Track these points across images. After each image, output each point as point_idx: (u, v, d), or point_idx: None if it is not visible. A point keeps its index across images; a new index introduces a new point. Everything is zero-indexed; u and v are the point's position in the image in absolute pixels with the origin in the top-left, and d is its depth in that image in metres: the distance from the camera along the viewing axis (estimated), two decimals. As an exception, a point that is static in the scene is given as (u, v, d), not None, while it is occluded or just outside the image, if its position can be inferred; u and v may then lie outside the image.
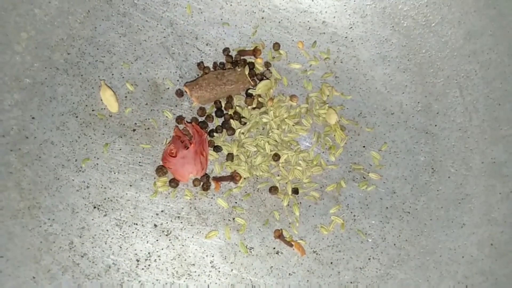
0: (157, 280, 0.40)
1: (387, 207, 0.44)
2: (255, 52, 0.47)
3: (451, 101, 0.46)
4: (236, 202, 0.43)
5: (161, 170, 0.43)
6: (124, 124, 0.44)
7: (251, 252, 0.42)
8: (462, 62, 0.46)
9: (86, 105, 0.44)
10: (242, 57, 0.48)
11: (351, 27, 0.49)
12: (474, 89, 0.46)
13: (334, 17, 0.49)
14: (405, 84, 0.47)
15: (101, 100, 0.45)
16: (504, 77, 0.45)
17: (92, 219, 0.42)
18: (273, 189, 0.44)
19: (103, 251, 0.41)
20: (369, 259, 0.43)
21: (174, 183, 0.43)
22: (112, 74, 0.45)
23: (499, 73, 0.45)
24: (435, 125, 0.46)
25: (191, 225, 0.42)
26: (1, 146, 0.41)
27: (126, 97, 0.45)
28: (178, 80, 0.46)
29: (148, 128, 0.45)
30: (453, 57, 0.47)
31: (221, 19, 0.48)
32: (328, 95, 0.47)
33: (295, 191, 0.44)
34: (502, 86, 0.45)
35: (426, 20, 0.47)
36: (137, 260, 0.41)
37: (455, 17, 0.46)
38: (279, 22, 0.49)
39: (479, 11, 0.45)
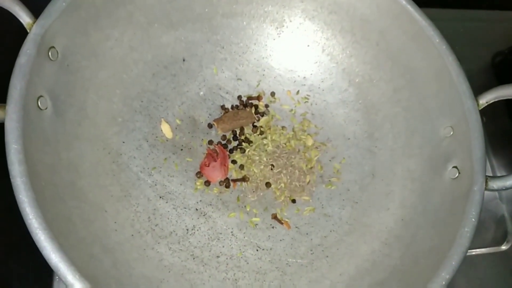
0: (199, 241, 0.49)
1: (343, 199, 0.53)
2: (258, 97, 0.56)
3: (385, 131, 0.56)
4: (247, 196, 0.52)
5: (199, 174, 0.51)
6: (175, 146, 0.52)
7: (256, 226, 0.50)
8: (392, 106, 0.55)
9: (152, 134, 0.53)
10: (250, 101, 0.56)
11: (323, 81, 0.58)
12: (399, 124, 0.55)
13: (311, 74, 0.59)
14: (357, 119, 0.56)
15: (161, 130, 0.53)
16: (415, 117, 0.53)
17: (160, 204, 0.49)
18: (268, 184, 0.52)
19: (167, 223, 0.49)
20: (331, 231, 0.52)
21: (207, 183, 0.51)
22: (167, 114, 0.54)
23: (412, 115, 0.54)
24: (375, 146, 0.55)
25: (219, 210, 0.51)
26: (107, 159, 0.49)
27: (176, 128, 0.53)
28: (208, 117, 0.55)
29: (190, 148, 0.53)
30: (386, 102, 0.56)
31: (236, 76, 0.57)
32: (307, 126, 0.56)
33: (293, 201, 0.51)
34: (414, 123, 0.54)
35: (370, 78, 0.57)
36: (187, 230, 0.49)
37: (388, 77, 0.56)
38: (275, 77, 0.58)
39: (401, 75, 0.54)
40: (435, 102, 0.50)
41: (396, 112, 0.56)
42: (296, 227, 0.52)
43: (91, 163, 0.47)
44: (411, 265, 0.43)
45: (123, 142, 0.52)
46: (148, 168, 0.52)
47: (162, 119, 0.54)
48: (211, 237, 0.50)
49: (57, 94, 0.43)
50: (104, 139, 0.50)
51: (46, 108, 0.41)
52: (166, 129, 0.54)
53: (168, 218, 0.50)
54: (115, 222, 0.46)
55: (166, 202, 0.51)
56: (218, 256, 0.49)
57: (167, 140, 0.53)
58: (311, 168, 0.54)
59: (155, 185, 0.51)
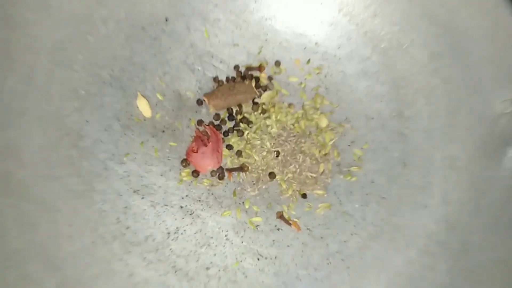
0: (184, 248, 0.43)
1: (367, 194, 0.46)
2: (260, 68, 0.49)
3: (419, 109, 0.48)
4: (245, 190, 0.45)
5: (185, 162, 0.45)
6: (155, 126, 0.46)
7: (257, 228, 0.44)
8: (427, 77, 0.48)
9: (126, 111, 0.46)
10: (249, 72, 0.49)
11: (339, 48, 0.51)
12: (436, 99, 0.47)
13: (325, 39, 0.51)
14: (383, 94, 0.49)
15: (137, 107, 0.46)
16: (459, 89, 0.46)
17: (133, 201, 0.43)
18: (272, 175, 0.46)
19: (142, 225, 0.43)
20: (352, 234, 0.45)
21: (195, 173, 0.45)
22: (146, 86, 0.47)
23: (456, 86, 0.47)
24: (407, 128, 0.48)
25: (209, 207, 0.44)
26: (65, 143, 0.43)
27: (156, 104, 0.47)
28: (197, 91, 0.48)
29: (174, 130, 0.46)
30: (420, 73, 0.48)
31: (232, 41, 0.50)
32: (319, 103, 0.49)
33: (304, 196, 0.45)
34: (458, 97, 0.46)
35: (399, 43, 0.49)
36: (168, 233, 0.43)
37: (421, 41, 0.48)
38: (280, 43, 0.51)
39: (440, 37, 0.47)
40: (488, 69, 0.43)
41: (433, 85, 0.48)
42: (308, 229, 0.45)
43: (40, 148, 0.40)
44: (467, 284, 0.37)
45: (87, 122, 0.45)
46: (119, 155, 0.45)
47: (139, 93, 0.47)
48: (199, 243, 0.43)
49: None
50: (60, 116, 0.43)
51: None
52: (143, 106, 0.47)
53: (143, 219, 0.43)
54: (70, 226, 0.40)
55: (142, 198, 0.44)
56: (208, 268, 0.42)
57: (144, 120, 0.46)
58: (326, 154, 0.47)
59: (128, 176, 0.44)
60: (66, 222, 0.40)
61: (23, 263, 0.33)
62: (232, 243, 0.44)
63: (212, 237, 0.44)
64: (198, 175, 0.45)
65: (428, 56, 0.48)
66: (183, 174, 0.45)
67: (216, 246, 0.44)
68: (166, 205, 0.44)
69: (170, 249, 0.43)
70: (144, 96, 0.47)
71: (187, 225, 0.44)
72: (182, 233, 0.44)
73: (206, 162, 0.45)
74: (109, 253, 0.41)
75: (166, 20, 0.49)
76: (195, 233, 0.44)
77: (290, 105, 0.49)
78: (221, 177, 0.46)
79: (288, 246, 0.44)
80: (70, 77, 0.44)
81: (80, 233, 0.40)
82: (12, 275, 0.30)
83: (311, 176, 0.46)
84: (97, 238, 0.41)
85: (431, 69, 0.48)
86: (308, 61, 0.51)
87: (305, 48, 0.51)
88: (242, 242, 0.44)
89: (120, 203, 0.43)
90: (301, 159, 0.46)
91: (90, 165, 0.43)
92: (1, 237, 0.33)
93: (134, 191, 0.44)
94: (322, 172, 0.47)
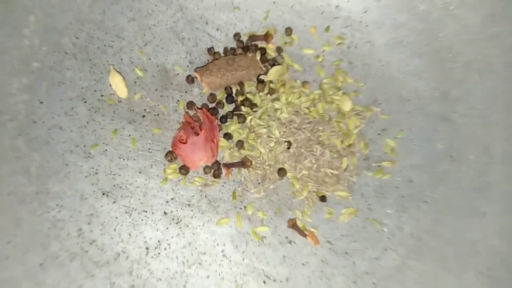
0: (167, 268, 0.39)
1: (403, 196, 0.43)
2: (266, 37, 0.47)
3: (471, 87, 0.45)
4: (248, 191, 0.42)
5: (170, 156, 0.42)
6: (133, 110, 0.44)
7: (263, 241, 0.41)
8: (482, 46, 0.45)
9: (95, 90, 0.44)
10: (253, 42, 0.47)
11: (366, 11, 0.48)
12: (494, 74, 0.45)
13: (348, 1, 0.48)
14: (422, 70, 0.46)
15: (110, 85, 0.44)
16: None
17: (101, 206, 0.41)
18: (282, 172, 0.43)
19: (112, 238, 0.40)
20: (386, 249, 0.42)
21: (184, 170, 0.42)
22: (121, 59, 0.45)
23: None
24: (454, 112, 0.45)
25: (202, 213, 0.42)
26: (9, 130, 0.40)
27: (135, 82, 0.44)
28: (188, 66, 0.46)
29: (158, 114, 0.44)
30: (473, 41, 0.45)
31: (232, 3, 0.47)
32: (341, 81, 0.46)
33: (323, 198, 0.43)
34: None
35: (444, 3, 0.46)
36: (147, 248, 0.40)
37: (473, 0, 0.45)
38: (291, 6, 0.48)
39: None
40: None
41: (490, 56, 0.45)
42: (328, 241, 0.42)
43: None
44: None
45: (41, 103, 0.42)
46: (84, 146, 0.43)
47: (112, 68, 0.45)
48: (187, 261, 0.41)
49: None
50: (3, 96, 0.41)
51: None
52: (118, 84, 0.44)
53: (114, 230, 0.41)
54: (9, 243, 0.37)
55: (114, 202, 0.42)
56: None
57: (119, 101, 0.45)
58: (350, 146, 0.44)
59: (96, 173, 0.42)
60: (4, 238, 0.37)
61: None
62: (230, 261, 0.41)
63: (204, 253, 0.41)
64: (188, 172, 0.43)
65: (482, 19, 0.46)
66: (168, 171, 0.43)
67: (209, 264, 0.41)
68: (145, 211, 0.42)
69: (149, 270, 0.40)
70: (118, 72, 0.45)
71: (173, 237, 0.41)
72: (165, 249, 0.41)
73: (197, 155, 0.42)
74: (64, 279, 0.37)
75: (149, -25, 0.47)
76: (182, 248, 0.41)
77: (304, 83, 0.47)
78: (217, 175, 0.43)
79: (303, 264, 0.41)
80: (18, 44, 0.43)
81: (22, 252, 0.37)
82: None
83: (332, 173, 0.43)
84: (47, 259, 0.38)
85: (487, 35, 0.46)
86: (327, 28, 0.48)
87: (322, 12, 0.49)
88: (243, 259, 0.41)
89: (83, 210, 0.41)
90: (318, 151, 0.44)
91: (44, 159, 0.41)
92: None
93: (104, 193, 0.42)
94: (346, 169, 0.44)
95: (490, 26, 0.45)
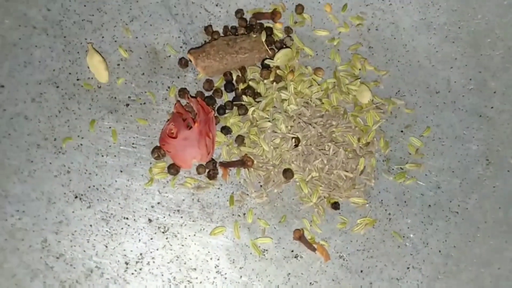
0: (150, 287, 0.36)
1: (429, 205, 0.41)
2: (274, 15, 0.45)
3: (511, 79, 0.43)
4: (248, 195, 0.40)
5: (157, 153, 0.40)
6: (115, 98, 0.41)
7: (264, 255, 0.39)
8: None
9: (70, 73, 0.41)
10: (258, 21, 0.45)
11: None
12: None
13: None
14: (455, 57, 0.44)
15: (88, 67, 0.41)
16: None
17: (73, 212, 0.38)
18: (288, 173, 0.41)
19: (84, 251, 0.37)
20: (408, 268, 0.40)
21: (173, 169, 0.40)
22: (102, 37, 0.42)
23: None
24: (491, 107, 0.43)
25: (193, 221, 0.40)
26: None
27: (118, 65, 0.42)
28: (181, 47, 0.43)
29: (145, 103, 0.42)
30: None
31: None
32: (360, 69, 0.44)
33: (335, 206, 0.41)
34: None
35: None
36: (126, 263, 0.38)
37: None
38: None
39: None
40: None
41: None
42: (341, 257, 0.40)
43: None
44: None
45: (2, 87, 0.40)
46: (54, 139, 0.40)
47: (91, 47, 0.42)
48: (174, 278, 0.39)
49: None
50: None
51: None
52: (97, 66, 0.42)
53: (88, 241, 0.38)
54: None
55: (88, 207, 0.39)
56: None
57: (98, 87, 0.42)
58: (368, 144, 0.43)
59: (68, 172, 0.40)
60: None
61: None
62: (225, 279, 0.39)
63: (195, 269, 0.39)
64: (178, 172, 0.41)
65: None
66: (155, 170, 0.41)
67: (200, 283, 0.38)
68: (127, 218, 0.39)
69: None
70: (98, 52, 0.42)
71: (158, 249, 0.39)
72: (148, 263, 0.38)
73: (189, 152, 0.40)
74: None
75: None
76: (169, 262, 0.39)
77: (316, 70, 0.45)
78: (212, 176, 0.42)
79: (310, 284, 0.39)
80: None
81: None
82: None
83: (346, 176, 0.42)
84: (0, 277, 0.35)
85: None
86: (344, 7, 0.46)
87: (340, -13, 0.46)
88: (241, 276, 0.39)
89: (50, 216, 0.38)
90: (331, 150, 0.41)
91: (3, 155, 0.38)
92: None
93: (76, 197, 0.39)
94: (363, 171, 0.42)
95: None
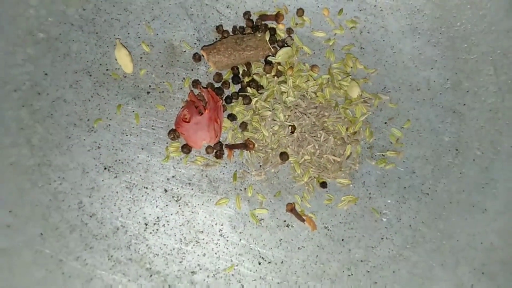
0: (164, 245, 0.40)
1: (405, 187, 0.42)
2: (277, 17, 0.46)
3: (484, 80, 0.44)
4: (249, 173, 0.42)
5: (173, 134, 0.42)
6: (138, 86, 0.43)
7: (261, 223, 0.41)
8: (500, 38, 0.44)
9: (100, 64, 0.43)
10: (263, 22, 0.46)
11: None
12: (510, 68, 0.43)
13: None
14: (435, 59, 0.45)
15: (116, 59, 0.43)
16: None
17: (102, 180, 0.41)
18: (284, 156, 0.42)
19: (112, 212, 0.40)
20: (382, 238, 0.41)
21: (186, 149, 0.42)
22: (128, 33, 0.44)
23: None
24: (464, 104, 0.44)
25: (202, 192, 0.41)
26: (13, 101, 0.40)
27: (141, 58, 0.44)
28: (195, 43, 0.44)
29: (163, 91, 0.43)
30: (491, 32, 0.44)
31: None
32: (351, 67, 0.45)
33: (323, 185, 0.42)
34: None
35: None
36: (146, 224, 0.40)
37: None
38: None
39: None
40: None
41: (507, 48, 0.44)
42: (326, 227, 0.42)
43: None
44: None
45: (45, 75, 0.42)
46: (87, 120, 0.42)
47: (118, 42, 0.44)
48: (185, 239, 0.41)
49: None
50: (6, 66, 0.40)
51: None
52: (123, 58, 0.44)
53: (114, 205, 0.41)
54: (10, 212, 0.37)
55: (115, 177, 0.41)
56: (193, 272, 0.40)
57: (124, 76, 0.44)
58: (355, 133, 0.44)
59: (98, 148, 0.42)
60: (5, 207, 0.37)
61: None
62: (227, 241, 0.41)
63: (202, 232, 0.41)
64: (190, 151, 0.43)
65: (502, 9, 0.45)
66: (171, 149, 0.43)
67: (206, 243, 0.41)
68: (146, 188, 0.42)
69: (147, 245, 0.40)
70: (125, 46, 0.44)
71: (172, 214, 0.41)
72: (164, 225, 0.41)
73: (200, 135, 0.42)
74: (63, 250, 0.38)
75: None
76: (180, 225, 0.41)
77: (313, 67, 0.46)
78: (219, 156, 0.43)
79: (299, 248, 0.41)
80: (23, 14, 0.42)
81: (23, 222, 0.37)
82: None
83: (334, 160, 0.43)
84: (47, 229, 0.38)
85: (506, 27, 0.45)
86: (340, 11, 0.47)
87: (337, -7, 0.47)
88: (240, 240, 0.41)
89: (84, 183, 0.41)
90: (322, 137, 0.43)
91: (47, 131, 0.41)
92: None
93: (105, 168, 0.42)
94: (349, 156, 0.44)
95: (509, 18, 0.43)
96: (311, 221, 0.41)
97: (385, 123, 0.44)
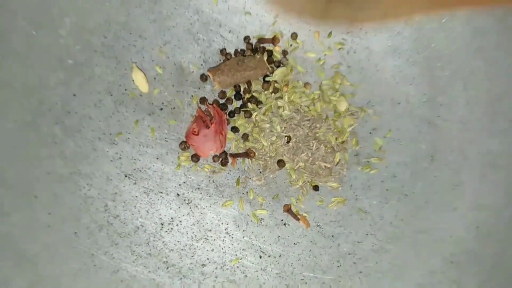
0: (178, 241, 0.41)
1: (387, 189, 0.44)
2: (274, 40, 0.46)
3: (455, 95, 0.44)
4: (250, 178, 0.43)
5: (184, 145, 0.43)
6: (152, 103, 0.44)
7: (261, 222, 0.42)
8: (468, 58, 0.44)
9: (120, 85, 0.44)
10: (261, 45, 0.46)
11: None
12: (477, 84, 0.44)
13: None
14: (413, 76, 0.45)
15: (133, 80, 0.44)
16: (506, 74, 0.43)
17: (124, 186, 0.42)
18: (281, 163, 0.43)
19: (132, 214, 0.41)
20: (367, 234, 0.43)
21: (195, 158, 0.43)
22: (143, 57, 0.44)
23: (502, 70, 0.43)
24: (438, 116, 0.45)
25: (209, 196, 0.42)
26: (48, 119, 0.41)
27: (155, 78, 0.44)
28: (202, 65, 0.45)
29: (174, 108, 0.44)
30: (460, 53, 0.44)
31: (244, 8, 0.46)
32: (339, 83, 0.46)
33: (316, 188, 0.43)
34: (504, 83, 0.43)
35: (437, 15, 0.45)
36: (162, 224, 0.41)
37: (464, 14, 0.44)
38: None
39: (486, 10, 0.43)
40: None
41: (475, 67, 0.44)
42: (318, 225, 0.43)
43: (17, 124, 0.38)
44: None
45: (74, 95, 0.42)
46: (110, 134, 0.43)
47: (135, 65, 0.44)
48: (195, 236, 0.42)
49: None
50: (42, 89, 0.41)
51: None
52: (139, 80, 0.44)
53: (135, 207, 0.41)
54: (49, 214, 0.38)
55: (134, 183, 0.42)
56: (203, 265, 0.41)
57: (140, 95, 0.44)
58: (343, 142, 0.44)
59: (119, 158, 0.42)
60: (45, 210, 0.38)
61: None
62: (232, 238, 0.42)
63: (210, 230, 0.42)
64: (198, 160, 0.43)
65: (471, 32, 0.45)
66: (182, 158, 0.43)
67: (214, 240, 0.42)
68: (161, 192, 0.42)
69: (163, 242, 0.41)
70: (140, 69, 0.44)
71: (183, 215, 0.42)
72: (177, 225, 0.42)
73: (207, 145, 0.43)
74: (93, 246, 0.39)
75: (168, -20, 0.45)
76: (191, 225, 0.42)
77: (305, 84, 0.46)
78: (224, 163, 0.43)
79: (294, 244, 0.43)
80: (55, 43, 0.42)
81: (60, 222, 0.39)
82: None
83: (325, 166, 0.44)
84: (80, 228, 0.40)
85: (474, 48, 0.44)
86: (330, 34, 0.46)
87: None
88: (243, 237, 0.42)
89: (109, 189, 0.42)
90: (314, 146, 0.44)
91: (76, 145, 0.41)
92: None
93: (126, 176, 0.42)
94: (338, 163, 0.44)
95: (476, 39, 0.44)
96: (305, 220, 0.43)
97: (370, 133, 0.45)
